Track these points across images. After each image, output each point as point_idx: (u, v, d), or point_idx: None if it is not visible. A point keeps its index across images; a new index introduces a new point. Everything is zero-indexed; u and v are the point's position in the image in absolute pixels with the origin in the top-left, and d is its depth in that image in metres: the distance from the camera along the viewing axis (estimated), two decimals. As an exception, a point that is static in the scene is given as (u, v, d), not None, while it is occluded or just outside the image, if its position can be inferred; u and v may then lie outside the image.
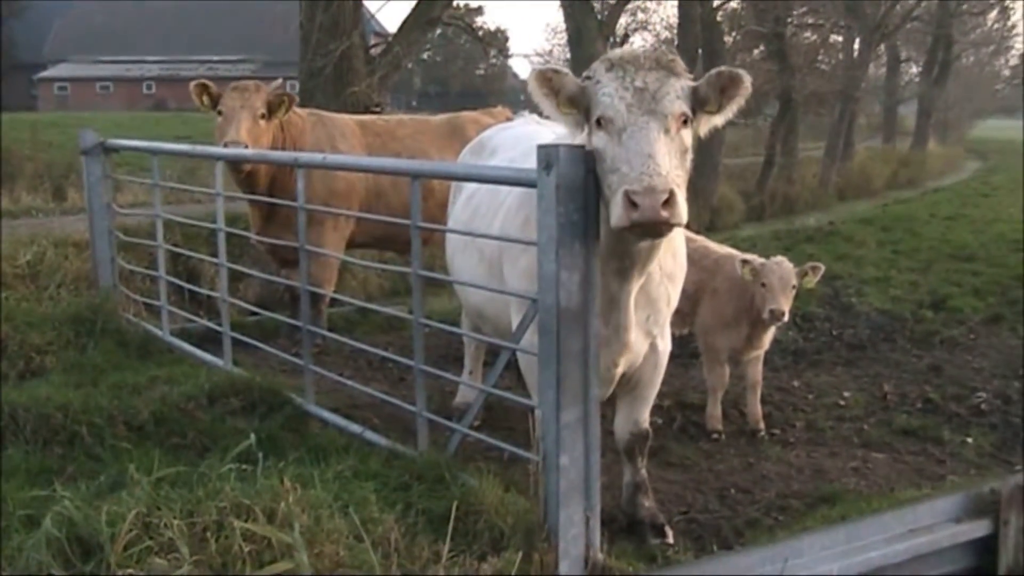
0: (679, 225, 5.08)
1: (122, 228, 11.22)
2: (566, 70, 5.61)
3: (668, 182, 4.95)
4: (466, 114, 12.29)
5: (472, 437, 6.74)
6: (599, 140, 5.27)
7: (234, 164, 9.96)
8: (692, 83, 5.45)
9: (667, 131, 5.18)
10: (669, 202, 4.90)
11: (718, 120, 5.62)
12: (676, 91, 5.29)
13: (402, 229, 9.41)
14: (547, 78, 5.51)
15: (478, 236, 6.96)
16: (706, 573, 5.39)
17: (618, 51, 5.48)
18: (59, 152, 23.20)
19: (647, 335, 6.39)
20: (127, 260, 11.05)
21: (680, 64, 5.42)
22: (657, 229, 5.06)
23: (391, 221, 9.41)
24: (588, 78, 5.45)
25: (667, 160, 5.08)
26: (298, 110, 11.05)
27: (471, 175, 7.19)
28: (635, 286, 5.93)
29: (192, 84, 10.59)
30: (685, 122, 5.32)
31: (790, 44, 30.24)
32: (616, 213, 5.02)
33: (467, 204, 7.60)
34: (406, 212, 8.09)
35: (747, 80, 5.50)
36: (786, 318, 8.17)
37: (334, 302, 11.19)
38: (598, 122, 5.28)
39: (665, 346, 6.62)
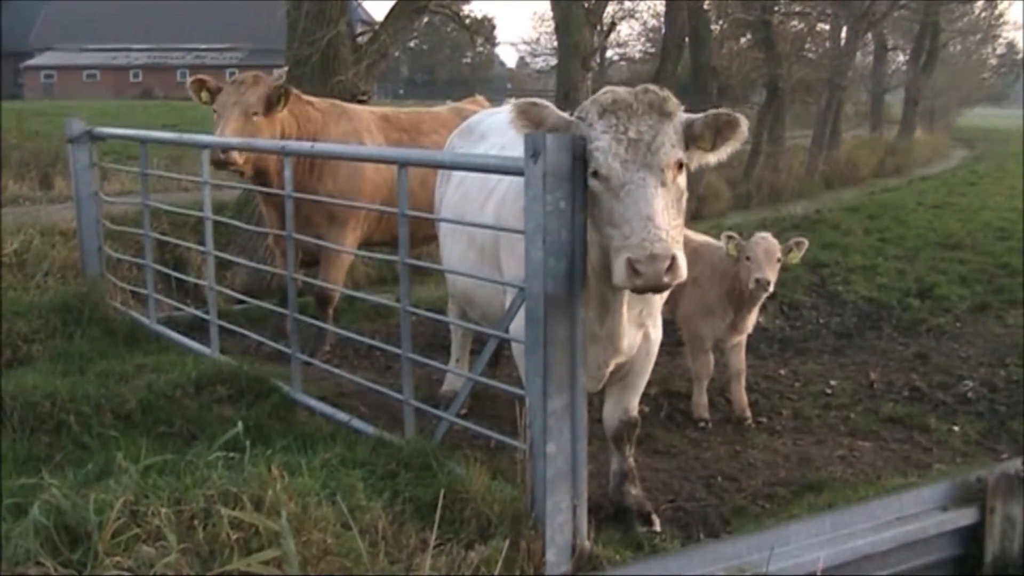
0: (679, 281, 5.13)
1: (109, 216, 11.19)
2: (546, 102, 5.65)
3: (669, 247, 4.99)
4: (468, 106, 12.06)
5: (459, 425, 6.77)
6: (596, 187, 5.27)
7: (216, 159, 9.42)
8: (685, 117, 5.45)
9: (664, 184, 5.18)
10: (671, 267, 4.95)
11: (711, 159, 5.61)
12: (671, 138, 5.27)
13: (420, 226, 9.36)
14: (526, 111, 5.55)
15: (476, 226, 6.96)
16: (693, 561, 5.41)
17: (609, 94, 5.41)
18: (45, 141, 23.08)
19: (639, 326, 6.41)
20: (114, 248, 11.03)
21: (672, 102, 5.39)
22: (661, 290, 5.20)
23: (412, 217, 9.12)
24: (580, 118, 5.44)
25: (666, 217, 5.10)
26: (315, 101, 10.75)
27: (458, 163, 7.17)
28: (627, 296, 5.94)
29: (189, 80, 10.16)
30: (680, 166, 5.32)
31: (777, 32, 30.20)
32: (618, 275, 5.07)
33: (457, 188, 7.61)
34: (430, 210, 8.08)
35: (744, 124, 5.50)
36: (771, 288, 8.20)
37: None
38: (594, 173, 5.26)
39: (657, 334, 6.62)
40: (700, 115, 5.49)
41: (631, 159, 5.16)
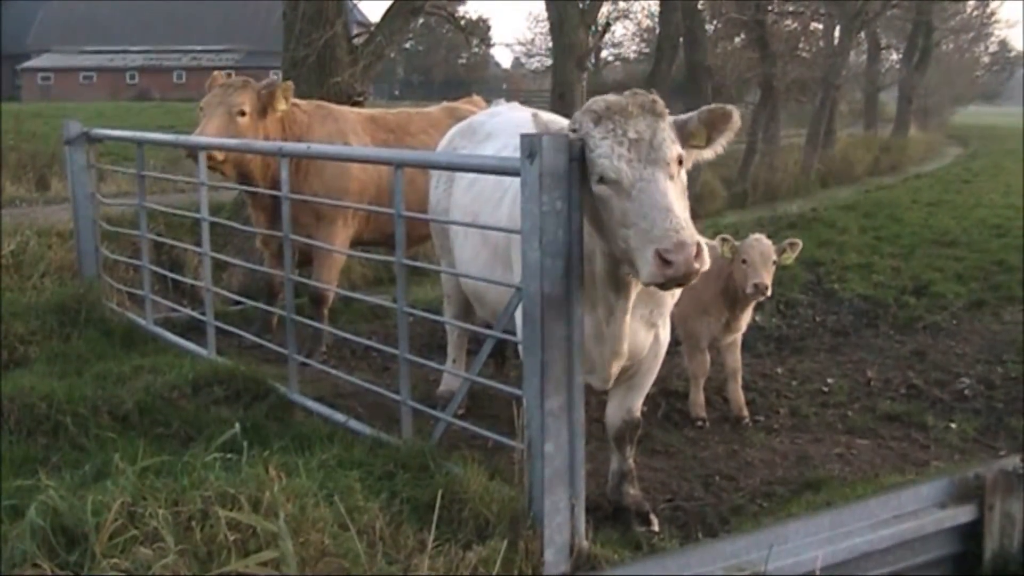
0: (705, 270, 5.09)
1: (106, 218, 11.19)
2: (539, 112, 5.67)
3: (694, 234, 5.00)
4: (462, 106, 12.00)
5: (456, 425, 6.76)
6: (604, 192, 5.25)
7: (193, 155, 9.42)
8: (675, 117, 5.48)
9: (671, 178, 5.20)
10: (698, 254, 4.94)
11: (707, 154, 5.68)
12: (670, 135, 5.30)
13: (412, 226, 9.31)
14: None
15: (470, 225, 6.96)
16: (691, 560, 5.40)
17: (601, 101, 5.42)
18: (42, 142, 23.08)
19: (650, 327, 6.42)
20: (111, 250, 11.01)
21: (661, 104, 5.41)
22: (688, 280, 5.07)
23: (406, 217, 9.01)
24: (574, 130, 5.44)
25: (681, 208, 5.12)
26: (301, 103, 10.74)
27: (454, 164, 7.17)
28: (632, 300, 5.95)
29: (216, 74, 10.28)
30: (680, 162, 5.34)
31: (771, 32, 30.26)
32: (647, 271, 5.02)
33: (469, 189, 7.55)
34: (421, 209, 8.04)
35: (736, 116, 5.56)
36: (769, 292, 8.21)
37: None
38: (600, 180, 5.25)
39: (666, 335, 6.65)
40: (692, 113, 5.54)
41: (636, 158, 5.17)
